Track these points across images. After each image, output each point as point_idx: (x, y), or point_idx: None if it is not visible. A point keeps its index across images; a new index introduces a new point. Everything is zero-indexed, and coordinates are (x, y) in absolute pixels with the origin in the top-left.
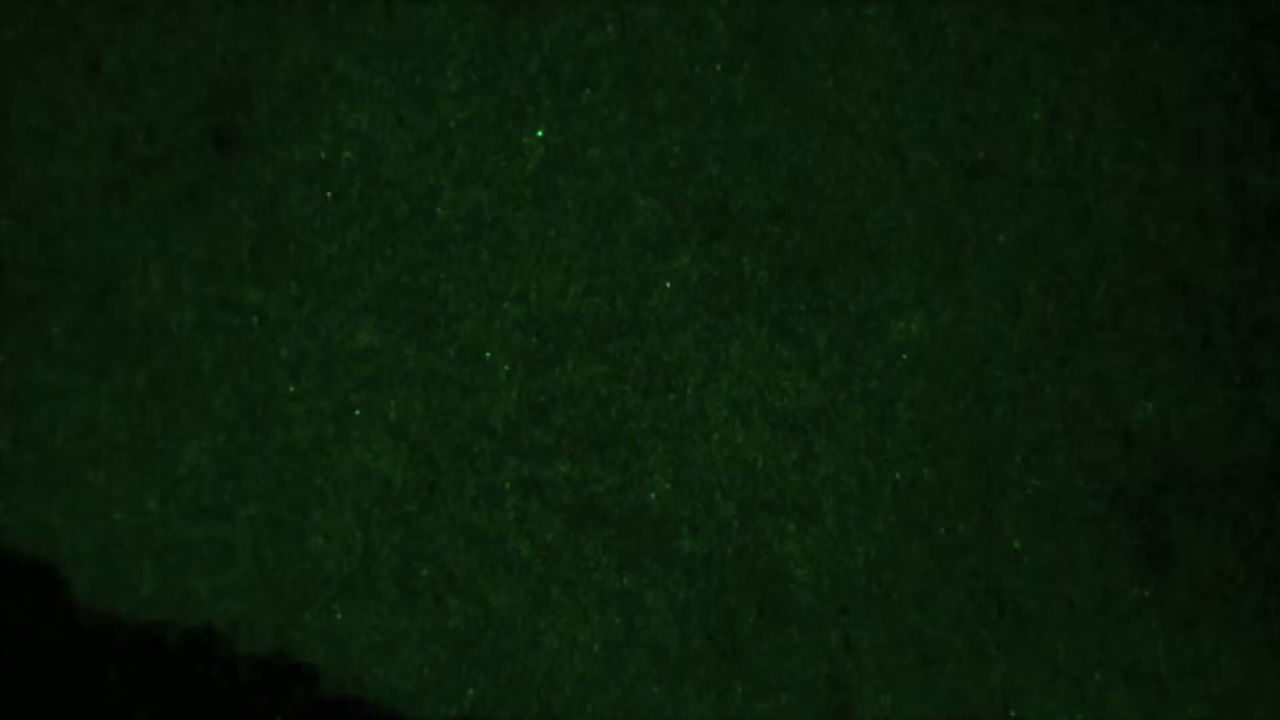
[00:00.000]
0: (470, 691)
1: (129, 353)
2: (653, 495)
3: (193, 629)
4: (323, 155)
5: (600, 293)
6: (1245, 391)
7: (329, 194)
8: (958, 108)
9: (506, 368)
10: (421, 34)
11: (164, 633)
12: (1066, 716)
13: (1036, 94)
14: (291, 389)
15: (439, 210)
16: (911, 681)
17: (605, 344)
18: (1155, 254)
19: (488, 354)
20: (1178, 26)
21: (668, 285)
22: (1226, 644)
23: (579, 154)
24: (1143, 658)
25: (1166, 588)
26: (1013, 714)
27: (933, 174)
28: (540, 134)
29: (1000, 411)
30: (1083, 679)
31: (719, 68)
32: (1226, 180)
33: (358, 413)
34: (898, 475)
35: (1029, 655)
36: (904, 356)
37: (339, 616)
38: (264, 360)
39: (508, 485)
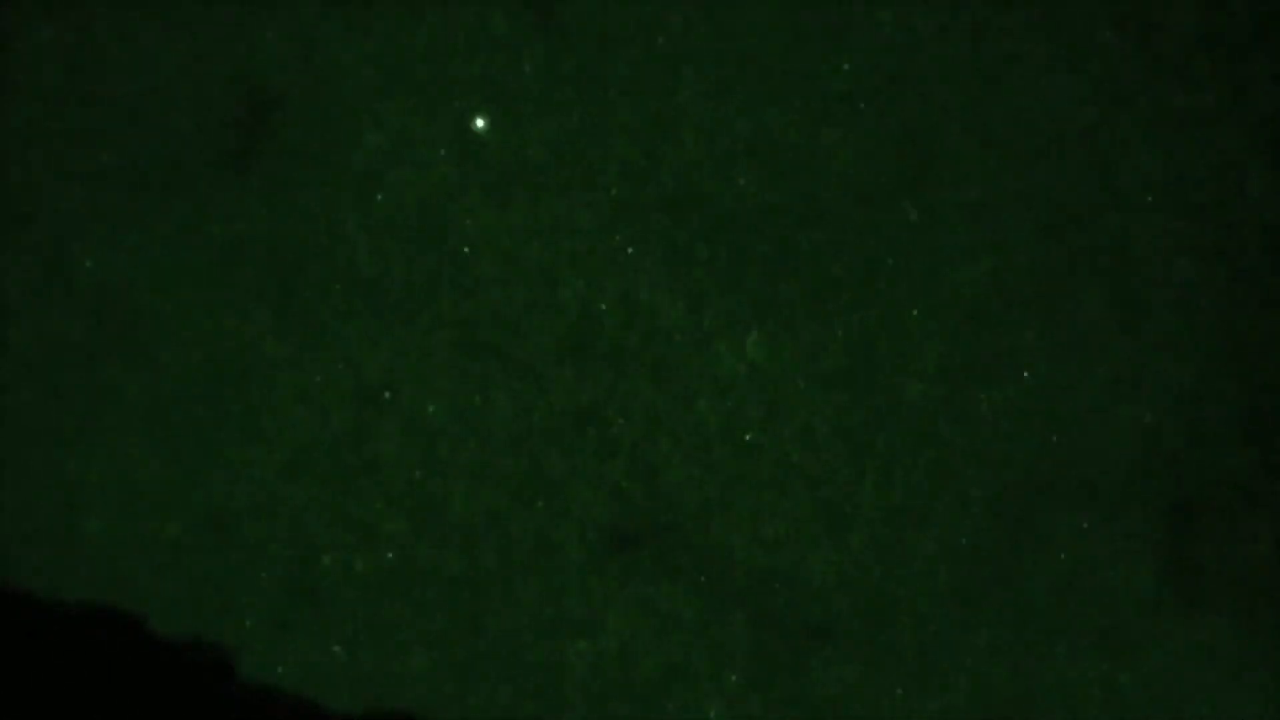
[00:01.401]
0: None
1: (132, 367)
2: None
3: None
4: (345, 169)
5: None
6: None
7: (351, 207)
8: None
9: (542, 375)
10: (445, 43)
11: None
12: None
13: None
14: (309, 389)
15: (466, 225)
16: (933, 677)
17: (658, 361)
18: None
19: (525, 363)
20: None
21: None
22: (1250, 645)
23: (596, 153)
24: (1166, 657)
25: (1191, 589)
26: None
27: None
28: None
29: (1020, 420)
30: (1103, 675)
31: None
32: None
33: (377, 417)
34: (920, 476)
35: (1055, 654)
36: (927, 367)
37: (355, 614)
38: (273, 365)
39: (534, 488)
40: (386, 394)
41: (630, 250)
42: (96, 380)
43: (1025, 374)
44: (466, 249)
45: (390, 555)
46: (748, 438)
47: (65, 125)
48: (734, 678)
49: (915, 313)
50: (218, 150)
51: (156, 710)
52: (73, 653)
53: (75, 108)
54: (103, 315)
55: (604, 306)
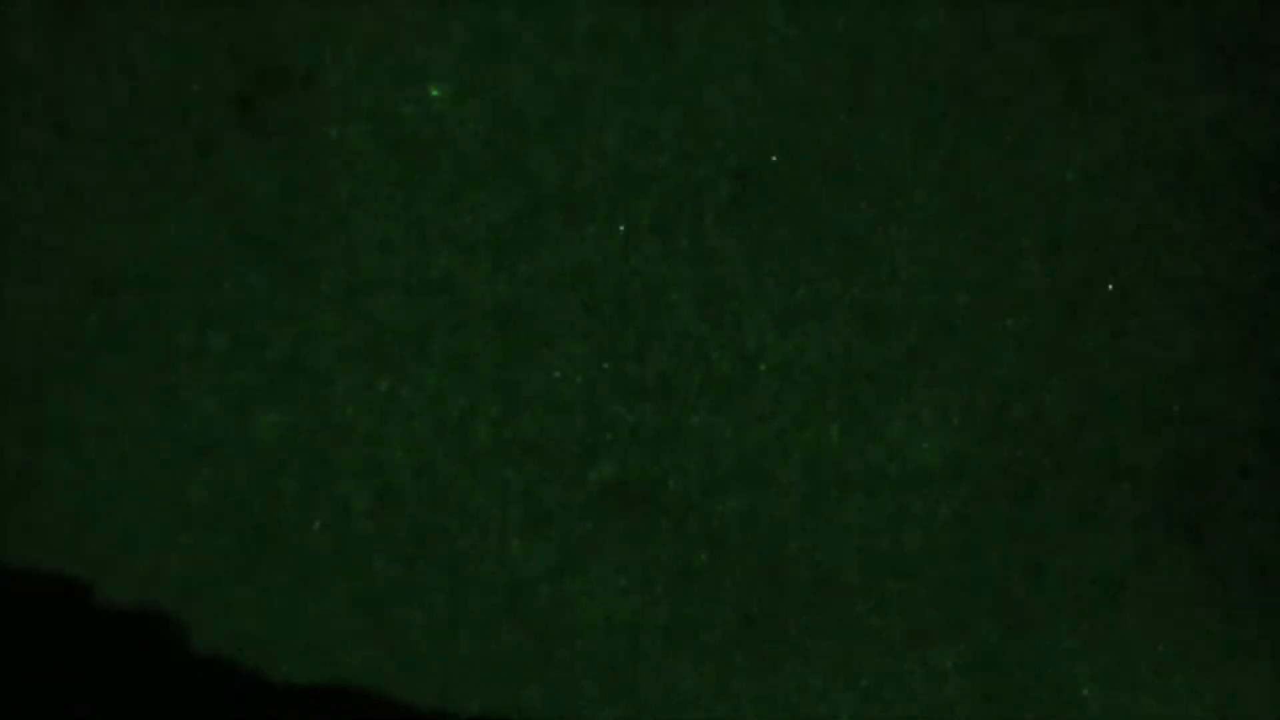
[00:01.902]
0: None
1: (126, 334)
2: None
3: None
4: (349, 139)
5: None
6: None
7: (353, 169)
8: None
9: (543, 331)
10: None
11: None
12: (1105, 690)
13: None
14: (306, 356)
15: (468, 195)
16: (942, 653)
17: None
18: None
19: (528, 319)
20: None
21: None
22: (1266, 618)
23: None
24: (1178, 631)
25: (1204, 561)
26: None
27: None
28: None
29: (1023, 387)
30: (1118, 650)
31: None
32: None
33: (383, 390)
34: (925, 445)
35: (1063, 629)
36: (924, 326)
37: (342, 575)
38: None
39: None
40: (388, 358)
41: (630, 217)
42: (90, 346)
43: (1022, 344)
44: (469, 217)
45: (383, 511)
46: (755, 404)
47: (67, 92)
48: (723, 637)
49: (922, 282)
50: (219, 122)
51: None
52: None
53: (76, 75)
54: (101, 283)
55: (609, 275)
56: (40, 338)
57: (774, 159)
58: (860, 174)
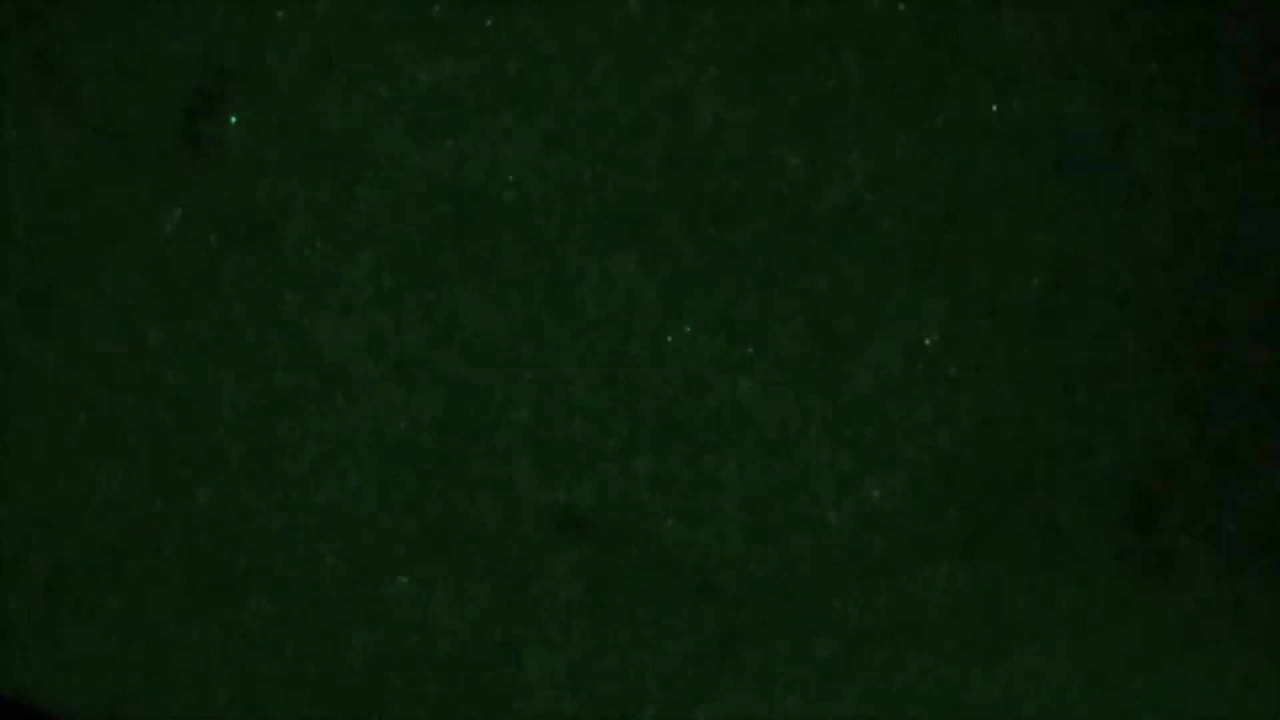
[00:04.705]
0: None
1: (73, 354)
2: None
3: None
4: (303, 150)
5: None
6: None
7: (309, 189)
8: None
9: (502, 377)
10: (405, 25)
11: None
12: None
13: None
14: (264, 381)
15: (430, 203)
16: (899, 688)
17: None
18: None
19: (488, 345)
20: None
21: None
22: (1230, 653)
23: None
24: (1141, 667)
25: (1168, 599)
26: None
27: None
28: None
29: (980, 414)
30: (1079, 688)
31: None
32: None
33: (328, 422)
34: (873, 481)
35: (1024, 666)
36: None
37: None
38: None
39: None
40: (345, 379)
41: (592, 221)
42: (37, 367)
43: (988, 361)
44: (429, 229)
45: (342, 531)
46: (719, 436)
47: (14, 108)
48: (699, 676)
49: (878, 304)
50: (171, 133)
51: None
52: None
53: (25, 90)
54: (47, 302)
55: (572, 282)
56: None
57: None
58: None
